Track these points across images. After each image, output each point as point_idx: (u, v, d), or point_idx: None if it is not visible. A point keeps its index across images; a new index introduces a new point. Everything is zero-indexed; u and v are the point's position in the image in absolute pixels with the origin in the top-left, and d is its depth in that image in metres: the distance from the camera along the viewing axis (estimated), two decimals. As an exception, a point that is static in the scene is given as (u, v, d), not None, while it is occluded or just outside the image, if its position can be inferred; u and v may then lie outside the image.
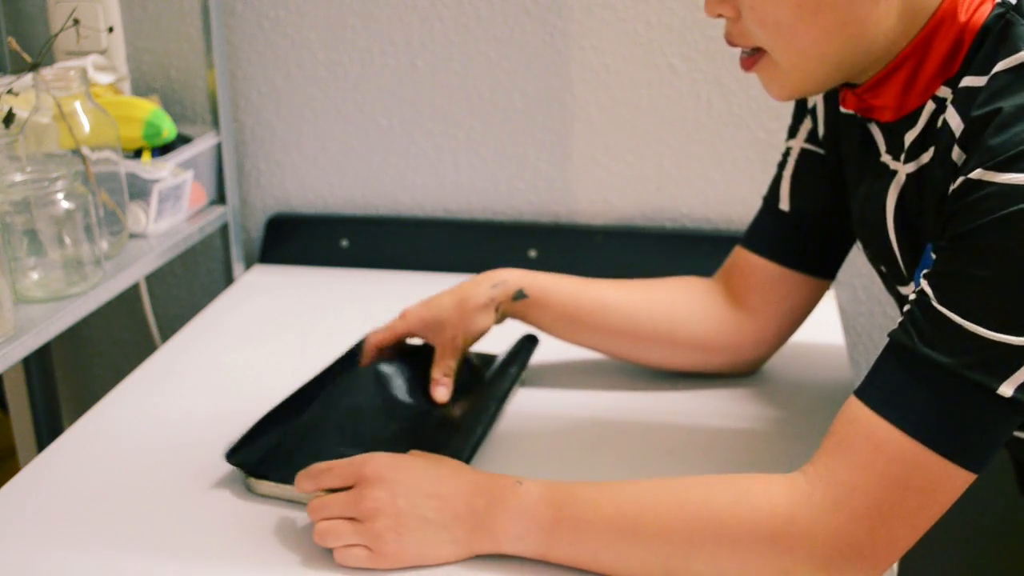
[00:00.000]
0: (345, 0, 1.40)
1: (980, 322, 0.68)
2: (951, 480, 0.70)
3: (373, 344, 1.07)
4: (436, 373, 1.03)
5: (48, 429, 1.49)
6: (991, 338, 0.68)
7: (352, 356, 1.07)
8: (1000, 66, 0.72)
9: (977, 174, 0.69)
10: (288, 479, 0.86)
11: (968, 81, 0.75)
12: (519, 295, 1.04)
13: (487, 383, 1.03)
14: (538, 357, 1.11)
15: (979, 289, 0.68)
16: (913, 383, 0.71)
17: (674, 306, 1.05)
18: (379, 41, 1.41)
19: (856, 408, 0.73)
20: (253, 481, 0.89)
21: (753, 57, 0.82)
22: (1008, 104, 0.69)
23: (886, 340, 0.75)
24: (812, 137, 1.00)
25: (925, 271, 0.73)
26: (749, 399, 1.06)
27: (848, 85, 0.85)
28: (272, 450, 0.91)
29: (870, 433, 0.71)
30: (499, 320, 1.06)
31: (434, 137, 1.44)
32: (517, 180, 1.44)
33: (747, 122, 1.37)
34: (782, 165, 1.03)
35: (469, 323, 1.03)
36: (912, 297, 0.73)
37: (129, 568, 0.81)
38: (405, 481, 0.79)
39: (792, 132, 1.02)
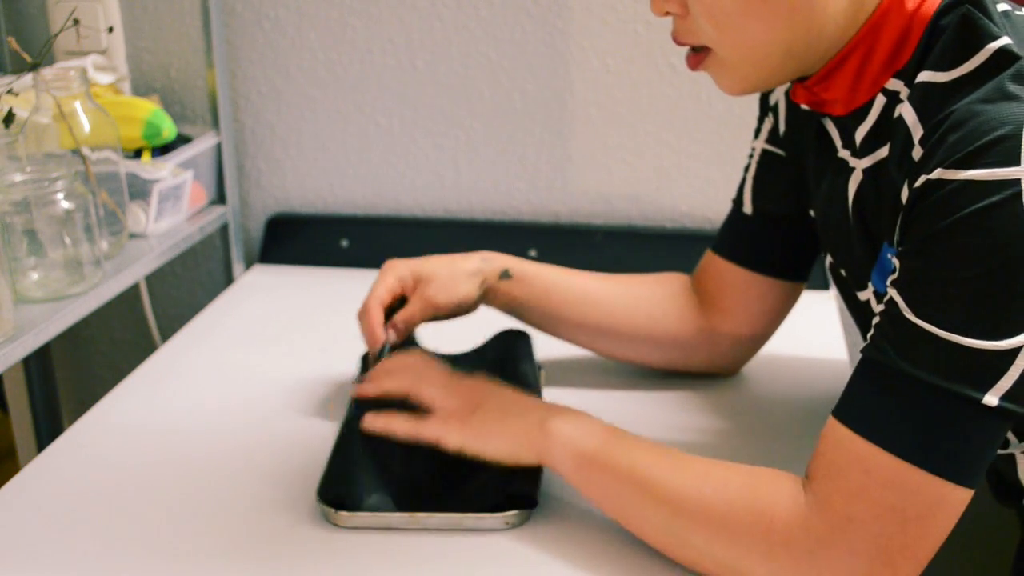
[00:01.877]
0: (345, 0, 1.40)
1: (958, 330, 0.65)
2: (948, 500, 0.67)
3: (375, 313, 0.99)
4: (397, 317, 1.00)
5: (48, 429, 1.49)
6: (971, 346, 0.65)
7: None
8: (965, 67, 0.70)
9: (937, 173, 0.66)
10: (375, 507, 0.85)
11: (927, 76, 0.73)
12: (505, 274, 1.03)
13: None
14: (538, 358, 1.11)
15: (952, 294, 0.66)
16: (895, 401, 0.68)
17: (654, 302, 1.05)
18: (379, 41, 1.41)
19: (840, 431, 0.70)
20: (345, 515, 0.85)
21: (698, 55, 0.80)
22: (965, 102, 0.68)
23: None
24: (773, 137, 0.99)
25: (891, 279, 0.71)
26: (749, 399, 1.06)
27: (798, 79, 0.83)
28: (348, 482, 0.88)
29: (858, 457, 0.69)
30: (480, 298, 1.03)
31: (434, 137, 1.44)
32: (517, 180, 1.44)
33: (747, 122, 1.37)
34: (747, 167, 1.02)
35: (455, 285, 1.01)
36: (880, 308, 0.71)
37: (128, 568, 0.81)
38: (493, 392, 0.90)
39: (756, 132, 1.01)
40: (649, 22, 1.35)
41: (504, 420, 0.86)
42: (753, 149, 1.01)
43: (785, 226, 1.00)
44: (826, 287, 1.34)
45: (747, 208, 1.01)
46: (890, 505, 0.68)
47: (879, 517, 0.68)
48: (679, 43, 0.81)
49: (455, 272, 1.02)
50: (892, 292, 0.70)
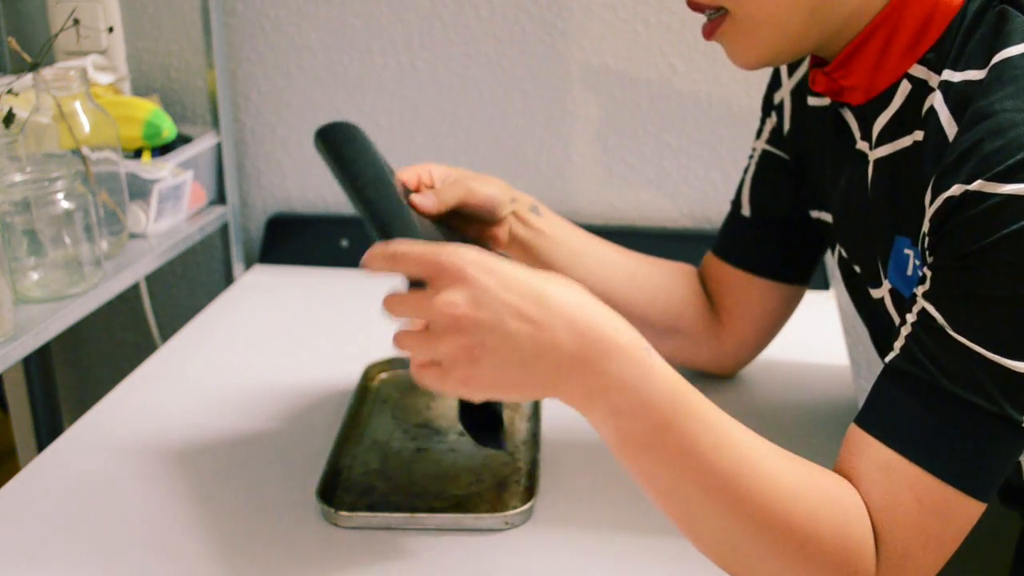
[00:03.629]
0: (345, 0, 1.40)
1: (1002, 351, 0.64)
2: (974, 516, 0.68)
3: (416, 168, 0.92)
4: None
5: (48, 429, 1.49)
6: (1015, 369, 0.64)
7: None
8: (996, 60, 0.68)
9: (977, 185, 0.64)
10: (375, 507, 0.85)
11: (961, 73, 0.71)
12: (535, 209, 0.97)
13: None
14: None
15: (997, 314, 0.64)
16: (941, 422, 0.66)
17: (672, 288, 1.03)
18: (379, 41, 1.41)
19: (885, 453, 0.68)
20: (345, 515, 0.85)
21: (715, 21, 0.77)
22: (1004, 106, 0.66)
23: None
24: (775, 137, 0.98)
25: (923, 290, 0.69)
26: (748, 399, 1.06)
27: (817, 66, 0.81)
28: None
29: (910, 483, 0.67)
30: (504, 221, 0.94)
31: (434, 137, 1.44)
32: (517, 180, 1.44)
33: (747, 122, 1.37)
34: (747, 168, 1.01)
35: (490, 183, 0.91)
36: (912, 320, 0.69)
37: (128, 567, 0.81)
38: (494, 289, 0.62)
39: (758, 132, 1.00)
40: (649, 22, 1.35)
41: (522, 369, 0.64)
42: (754, 150, 1.01)
43: (784, 228, 0.99)
44: (826, 287, 1.34)
45: (745, 210, 1.01)
46: (934, 533, 0.67)
47: (925, 547, 0.67)
48: (697, 8, 0.78)
49: (492, 180, 0.93)
50: (926, 305, 0.68)
